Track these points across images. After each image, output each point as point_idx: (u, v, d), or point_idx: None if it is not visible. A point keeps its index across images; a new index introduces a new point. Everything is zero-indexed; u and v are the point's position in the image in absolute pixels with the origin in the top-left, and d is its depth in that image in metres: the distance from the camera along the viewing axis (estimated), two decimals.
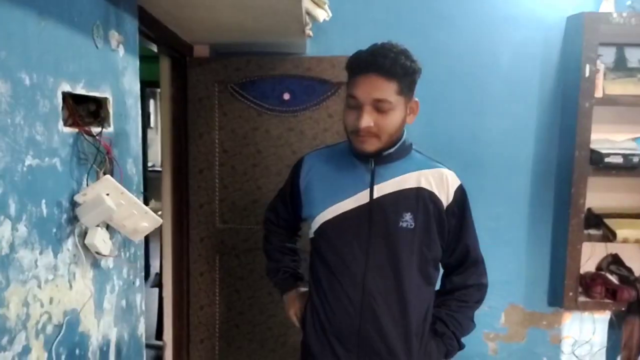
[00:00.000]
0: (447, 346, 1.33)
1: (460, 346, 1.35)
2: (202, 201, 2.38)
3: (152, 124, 7.06)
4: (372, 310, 1.26)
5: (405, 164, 1.30)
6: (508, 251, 2.61)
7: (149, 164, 5.28)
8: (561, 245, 2.42)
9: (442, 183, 1.28)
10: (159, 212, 2.46)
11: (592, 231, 2.37)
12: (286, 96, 2.30)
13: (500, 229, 2.60)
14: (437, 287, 1.42)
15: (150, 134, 6.50)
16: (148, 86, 4.59)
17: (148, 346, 3.28)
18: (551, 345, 2.62)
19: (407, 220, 1.25)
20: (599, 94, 2.32)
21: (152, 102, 6.97)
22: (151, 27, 1.84)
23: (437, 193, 1.27)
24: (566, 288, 2.36)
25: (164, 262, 2.48)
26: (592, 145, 2.32)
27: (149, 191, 4.72)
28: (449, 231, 1.30)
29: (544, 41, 2.48)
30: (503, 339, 2.63)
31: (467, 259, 1.35)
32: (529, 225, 2.59)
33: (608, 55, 2.45)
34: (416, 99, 1.28)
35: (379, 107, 1.18)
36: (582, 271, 2.41)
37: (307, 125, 2.30)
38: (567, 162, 2.38)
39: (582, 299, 2.40)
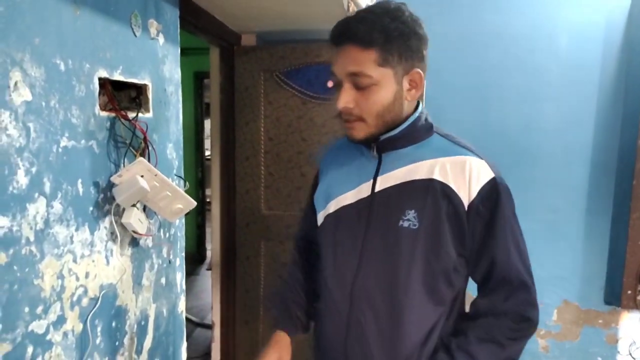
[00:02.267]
0: None
1: None
2: (248, 187, 2.44)
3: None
4: (359, 326, 1.04)
5: (419, 150, 1.04)
6: (564, 245, 2.48)
7: (207, 153, 5.44)
8: (621, 241, 2.27)
9: (463, 174, 0.99)
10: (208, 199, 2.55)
11: None
12: (330, 83, 2.29)
13: (557, 222, 2.48)
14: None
15: (208, 124, 6.70)
16: (206, 77, 4.73)
17: (203, 325, 3.45)
18: (607, 345, 2.46)
19: (410, 218, 1.00)
20: None
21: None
22: (197, 17, 1.89)
23: (453, 187, 0.98)
24: (625, 286, 2.22)
25: (212, 246, 2.57)
26: None
27: (205, 179, 4.90)
28: (473, 237, 1.00)
29: (606, 23, 2.31)
30: (555, 336, 2.51)
31: (492, 276, 1.01)
32: (586, 218, 2.44)
33: None
34: (418, 70, 1.00)
35: (357, 82, 0.97)
36: None
37: None
38: (629, 151, 2.22)
39: None
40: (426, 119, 1.07)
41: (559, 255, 2.49)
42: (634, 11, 2.26)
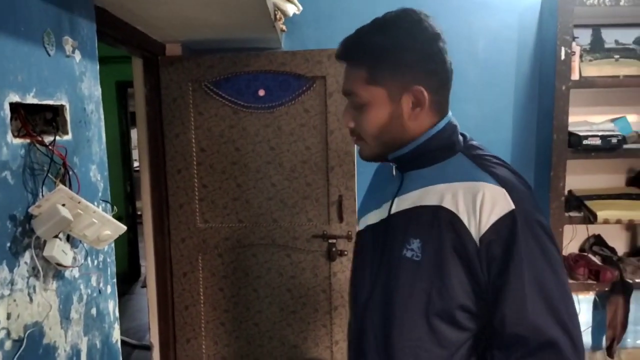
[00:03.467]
0: None
1: None
2: (182, 201, 2.37)
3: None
4: (363, 355, 1.00)
5: (436, 171, 0.94)
6: None
7: (135, 165, 5.24)
8: None
9: (474, 205, 0.85)
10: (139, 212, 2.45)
11: (573, 213, 2.37)
12: (261, 92, 2.28)
13: None
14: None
15: (135, 134, 6.45)
16: (130, 86, 4.54)
17: (141, 347, 3.31)
18: None
19: (414, 248, 0.90)
20: (575, 76, 2.31)
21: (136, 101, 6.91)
22: (115, 28, 1.81)
23: (462, 217, 0.86)
24: None
25: (147, 264, 2.47)
26: (570, 128, 2.31)
27: (135, 191, 4.72)
28: (488, 281, 0.86)
29: (519, 25, 2.46)
30: None
31: (505, 331, 0.85)
32: None
33: (584, 37, 2.44)
34: (419, 87, 0.90)
35: (352, 102, 0.94)
36: (564, 253, 2.42)
37: (284, 121, 2.28)
38: (546, 145, 2.38)
39: None
40: (450, 138, 0.95)
41: None
42: (544, 12, 2.42)
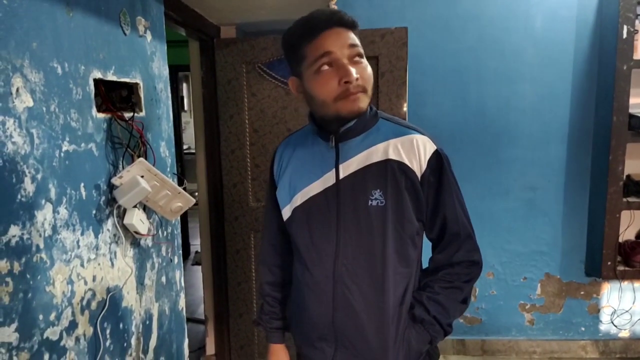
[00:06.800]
0: (429, 332, 1.18)
1: (446, 331, 1.20)
2: (235, 181, 2.43)
3: (185, 107, 7.21)
4: (345, 299, 1.16)
5: (371, 136, 1.15)
6: (544, 221, 2.57)
7: (184, 147, 5.39)
8: (599, 214, 2.36)
9: (413, 150, 1.12)
10: (195, 193, 2.54)
11: (632, 199, 2.30)
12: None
13: (536, 199, 2.56)
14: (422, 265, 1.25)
15: (185, 117, 6.62)
16: (180, 70, 4.66)
17: (193, 320, 3.44)
18: (589, 315, 2.57)
19: (377, 197, 1.12)
20: (637, 55, 2.23)
21: (185, 85, 7.10)
22: (178, 11, 1.87)
23: (407, 163, 1.12)
24: (605, 257, 2.31)
25: (201, 241, 2.56)
26: (631, 110, 2.24)
27: (185, 173, 4.86)
28: (427, 203, 1.15)
29: (578, 2, 2.38)
30: (540, 309, 2.60)
31: (446, 232, 1.18)
32: (565, 194, 2.53)
33: None
34: None
35: (356, 58, 1.04)
36: (621, 240, 2.35)
37: None
38: (605, 128, 2.31)
39: (621, 267, 2.35)
40: (371, 108, 1.17)
41: (539, 232, 2.58)
42: None
